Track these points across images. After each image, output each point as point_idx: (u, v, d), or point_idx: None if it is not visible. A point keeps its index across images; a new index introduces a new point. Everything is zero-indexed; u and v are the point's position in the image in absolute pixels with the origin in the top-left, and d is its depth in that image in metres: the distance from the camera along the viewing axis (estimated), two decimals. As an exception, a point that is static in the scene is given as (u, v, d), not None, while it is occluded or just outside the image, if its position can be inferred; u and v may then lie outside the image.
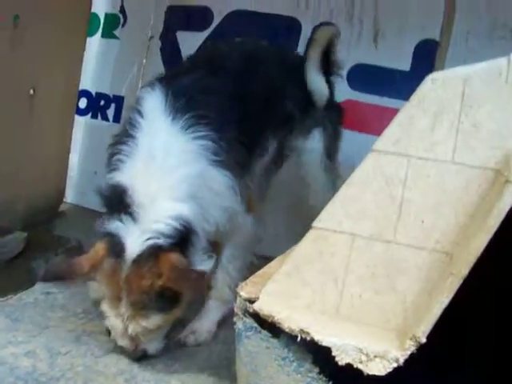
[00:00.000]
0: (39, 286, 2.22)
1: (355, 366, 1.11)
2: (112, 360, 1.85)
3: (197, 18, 2.86)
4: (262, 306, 1.20)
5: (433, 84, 1.20)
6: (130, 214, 1.67)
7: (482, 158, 1.17)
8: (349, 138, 2.42)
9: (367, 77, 2.67)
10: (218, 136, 1.77)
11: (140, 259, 1.65)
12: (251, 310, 1.21)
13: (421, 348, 1.10)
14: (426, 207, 1.18)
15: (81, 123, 2.91)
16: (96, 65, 2.89)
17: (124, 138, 1.78)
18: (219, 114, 1.83)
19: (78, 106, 2.91)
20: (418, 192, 1.19)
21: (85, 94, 2.93)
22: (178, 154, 1.74)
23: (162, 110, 1.77)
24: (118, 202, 1.71)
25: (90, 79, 2.90)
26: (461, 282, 1.08)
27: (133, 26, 2.93)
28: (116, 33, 2.91)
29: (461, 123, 1.18)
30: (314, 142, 2.27)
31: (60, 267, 1.78)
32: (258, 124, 2.01)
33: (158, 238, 1.65)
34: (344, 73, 2.49)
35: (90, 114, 2.94)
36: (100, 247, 1.71)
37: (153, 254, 1.65)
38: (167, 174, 1.71)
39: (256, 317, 1.22)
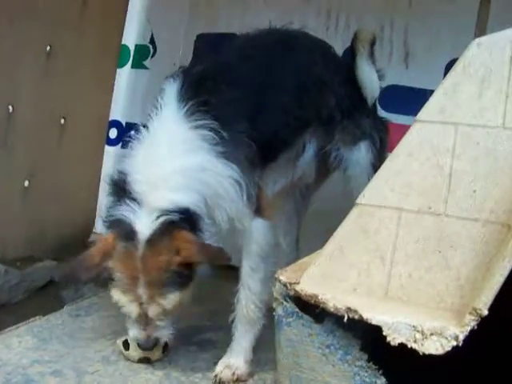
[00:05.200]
0: (67, 309, 2.15)
1: (409, 346, 1.01)
2: (141, 380, 1.77)
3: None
4: (304, 288, 1.11)
5: (478, 49, 1.14)
6: (134, 200, 1.66)
7: (534, 122, 1.10)
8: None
9: (399, 98, 2.62)
10: (219, 126, 1.70)
11: (154, 237, 1.63)
12: (292, 293, 1.12)
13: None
14: (478, 176, 1.10)
15: (111, 153, 2.89)
16: (126, 95, 2.89)
17: (140, 127, 1.78)
18: (225, 103, 1.75)
19: (108, 136, 2.90)
20: (467, 161, 1.11)
21: (115, 124, 2.91)
22: (178, 143, 1.71)
23: (173, 98, 1.74)
24: (121, 189, 1.70)
25: (120, 109, 2.89)
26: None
27: (162, 56, 2.92)
28: (146, 63, 2.93)
29: (510, 87, 1.11)
30: (360, 155, 2.10)
31: (72, 266, 1.74)
32: (284, 118, 1.89)
33: (168, 215, 1.63)
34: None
35: (120, 144, 2.92)
36: (107, 236, 1.69)
37: (166, 230, 1.64)
38: (165, 163, 1.68)
39: (297, 301, 1.13)
